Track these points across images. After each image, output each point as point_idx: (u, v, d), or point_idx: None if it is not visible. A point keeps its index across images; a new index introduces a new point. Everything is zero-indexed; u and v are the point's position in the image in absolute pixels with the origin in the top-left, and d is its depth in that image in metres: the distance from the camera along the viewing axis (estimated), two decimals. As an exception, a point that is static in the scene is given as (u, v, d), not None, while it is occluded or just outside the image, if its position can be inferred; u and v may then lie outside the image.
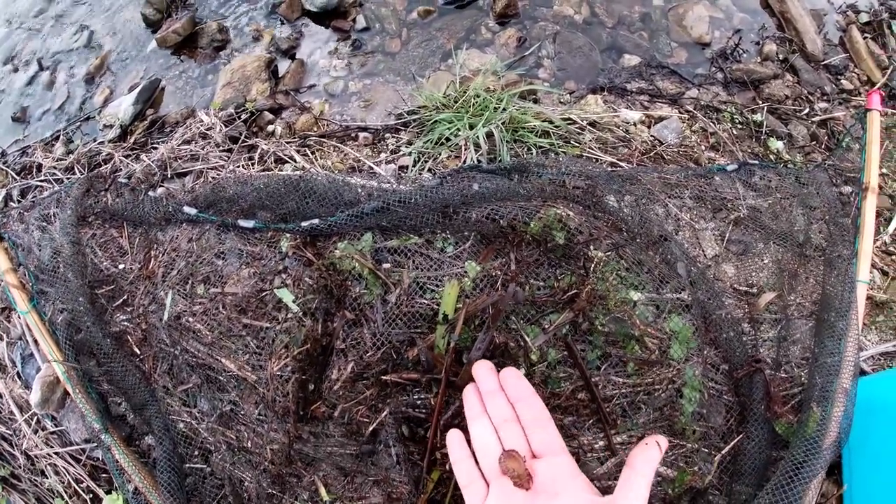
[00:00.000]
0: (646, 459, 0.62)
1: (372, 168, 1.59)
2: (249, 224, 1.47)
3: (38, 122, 2.23)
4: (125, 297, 1.57)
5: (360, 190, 1.47)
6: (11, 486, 1.82)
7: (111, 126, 2.01)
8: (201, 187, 1.58)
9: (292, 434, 1.28)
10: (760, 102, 2.15)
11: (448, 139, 1.64)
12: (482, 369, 0.84)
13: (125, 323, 1.57)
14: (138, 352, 1.53)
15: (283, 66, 1.97)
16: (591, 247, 1.46)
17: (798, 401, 1.45)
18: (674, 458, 1.34)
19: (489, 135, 1.65)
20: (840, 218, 1.80)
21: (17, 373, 1.82)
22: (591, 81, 2.02)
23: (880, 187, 2.00)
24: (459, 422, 1.26)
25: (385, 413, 1.29)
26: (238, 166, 1.66)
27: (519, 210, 1.45)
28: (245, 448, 1.37)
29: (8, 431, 1.83)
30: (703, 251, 1.74)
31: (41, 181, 2.00)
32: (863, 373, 1.58)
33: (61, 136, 2.12)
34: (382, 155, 1.65)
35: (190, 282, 1.44)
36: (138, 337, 1.54)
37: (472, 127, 1.65)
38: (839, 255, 1.69)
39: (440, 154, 1.59)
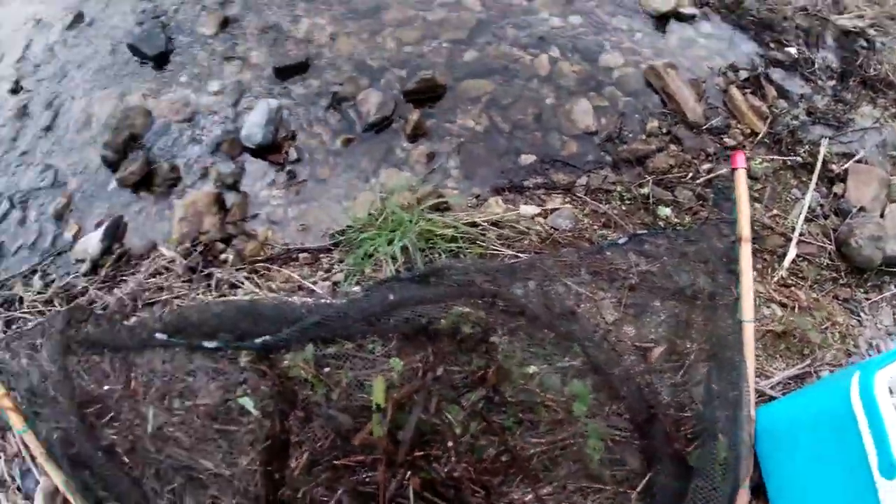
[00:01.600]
0: None
1: (310, 287, 2.14)
2: (212, 345, 2.00)
3: (14, 257, 2.73)
4: (112, 413, 2.06)
5: (301, 308, 2.01)
6: None
7: (83, 261, 2.52)
8: (169, 315, 2.10)
9: (264, 518, 1.78)
10: (647, 176, 2.74)
11: (371, 255, 2.21)
12: None
13: (113, 436, 2.05)
14: (127, 460, 2.01)
15: (230, 198, 2.52)
16: (490, 335, 2.03)
17: (702, 433, 1.96)
18: (599, 500, 1.83)
19: (405, 247, 2.22)
20: (731, 266, 2.26)
21: (17, 487, 2.26)
22: (492, 184, 2.62)
23: (772, 228, 2.60)
24: (404, 492, 1.73)
25: (340, 492, 1.80)
26: (198, 294, 2.19)
27: (430, 310, 2.01)
28: (227, 534, 1.85)
29: (13, 543, 2.26)
30: (603, 318, 2.29)
31: (24, 313, 2.49)
32: (771, 398, 2.07)
33: (38, 271, 2.62)
34: (319, 273, 2.22)
35: (167, 397, 1.95)
36: (126, 447, 2.02)
37: (390, 242, 2.22)
38: (725, 302, 2.23)
39: (365, 269, 2.16)
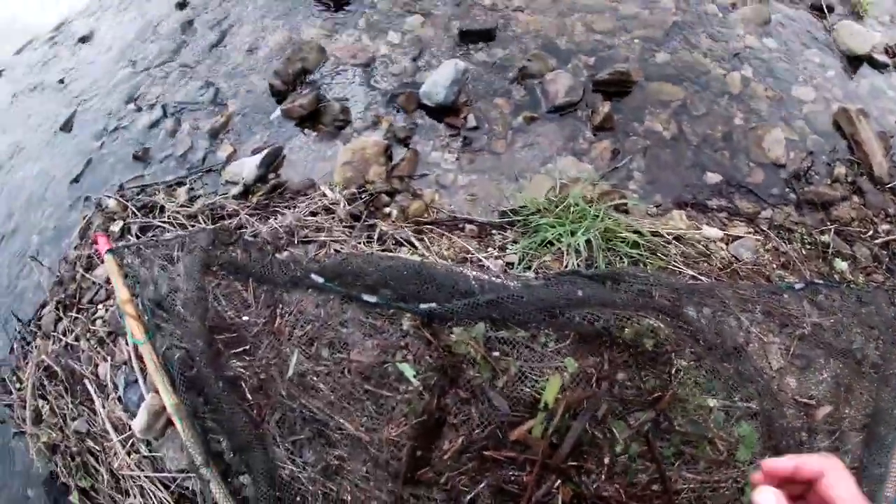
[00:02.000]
0: (821, 467, 0.67)
1: (482, 261, 1.94)
2: (373, 299, 1.82)
3: (159, 165, 2.65)
4: (247, 346, 1.90)
5: (473, 282, 1.81)
6: (89, 499, 2.12)
7: (235, 183, 2.40)
8: (328, 259, 1.94)
9: (398, 494, 1.58)
10: (829, 224, 2.48)
11: (551, 243, 2.00)
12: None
13: (241, 370, 1.90)
14: (250, 398, 1.86)
15: (398, 153, 2.37)
16: (675, 356, 1.79)
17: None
18: None
19: (587, 242, 2.00)
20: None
21: (119, 397, 2.14)
22: (675, 196, 2.37)
23: None
24: (550, 500, 1.55)
25: (482, 484, 1.59)
26: (359, 243, 2.03)
27: (612, 316, 1.78)
28: (343, 500, 1.66)
29: (97, 448, 2.14)
30: (769, 363, 2.04)
31: (163, 222, 2.38)
32: None
33: (184, 184, 2.52)
34: (490, 249, 2.01)
35: (315, 344, 1.78)
36: (253, 384, 1.87)
37: (573, 234, 2.00)
38: (892, 373, 1.97)
39: (544, 256, 1.94)
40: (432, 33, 2.75)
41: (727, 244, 2.30)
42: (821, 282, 2.24)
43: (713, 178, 2.47)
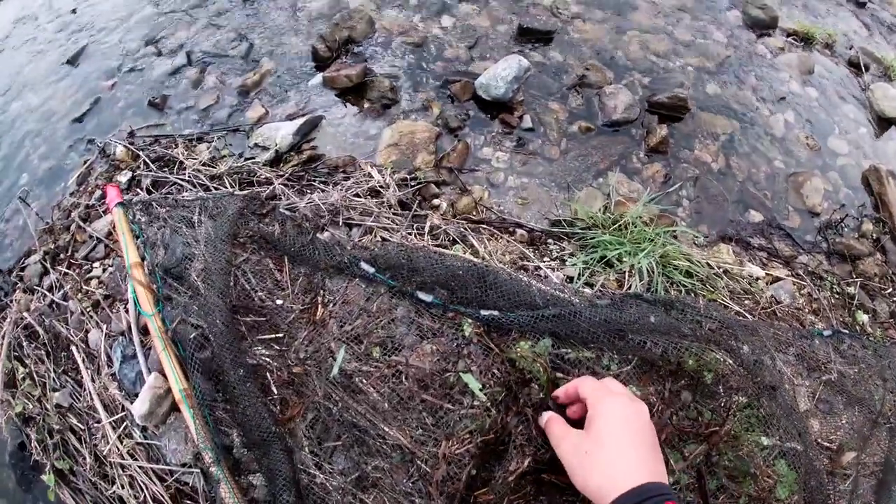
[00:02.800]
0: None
1: (540, 269, 1.81)
2: (428, 298, 1.65)
3: (178, 116, 2.38)
4: (280, 335, 1.70)
5: (536, 293, 1.67)
6: (65, 482, 1.85)
7: (266, 148, 2.18)
8: (379, 247, 1.75)
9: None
10: (855, 276, 2.50)
11: (609, 262, 1.88)
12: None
13: (266, 359, 1.69)
14: (275, 391, 1.65)
15: (447, 142, 2.20)
16: (735, 391, 1.72)
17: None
18: None
19: (651, 266, 1.90)
20: None
21: (113, 373, 1.89)
22: (720, 229, 2.31)
23: None
24: None
25: (540, 509, 1.46)
26: (409, 233, 1.85)
27: (671, 345, 1.68)
28: (375, 516, 1.49)
29: (80, 426, 1.88)
30: (797, 405, 2.02)
31: (181, 179, 2.13)
32: None
33: (209, 142, 2.27)
34: (546, 259, 1.88)
35: (365, 342, 1.59)
36: (282, 377, 1.66)
37: (634, 255, 1.90)
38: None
39: (608, 274, 1.83)
40: (488, 24, 2.60)
41: (768, 284, 2.26)
42: (846, 332, 2.24)
43: (756, 216, 2.43)
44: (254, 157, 2.16)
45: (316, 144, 2.20)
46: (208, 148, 2.25)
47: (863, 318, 2.39)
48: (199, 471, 1.61)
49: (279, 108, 2.31)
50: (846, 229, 2.67)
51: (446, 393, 1.49)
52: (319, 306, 1.70)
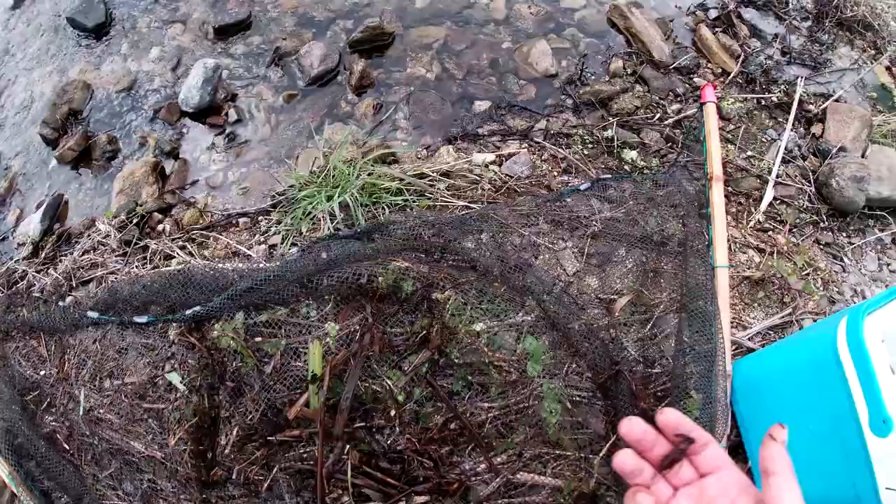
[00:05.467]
0: (773, 456, 0.63)
1: (245, 252, 1.94)
2: (143, 319, 1.82)
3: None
4: (49, 399, 1.89)
5: (232, 273, 1.81)
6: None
7: (24, 244, 2.34)
8: (101, 292, 1.92)
9: (198, 499, 1.61)
10: (610, 119, 2.51)
11: (309, 214, 2.00)
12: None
13: (53, 423, 1.89)
14: (67, 447, 1.85)
15: (169, 165, 2.33)
16: (432, 291, 1.81)
17: (672, 391, 1.75)
18: (560, 468, 1.65)
19: (346, 203, 2.00)
20: (703, 209, 2.12)
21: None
22: (444, 133, 2.39)
23: (746, 170, 2.37)
24: (342, 468, 1.58)
25: (275, 469, 1.62)
26: (133, 268, 2.00)
27: (366, 269, 1.79)
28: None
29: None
30: (564, 269, 2.08)
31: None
32: (750, 350, 1.88)
33: (-20, 258, 2.45)
34: (256, 237, 2.01)
35: (98, 378, 1.78)
36: (65, 434, 1.86)
37: (329, 199, 2.00)
38: (697, 248, 2.02)
39: (301, 228, 1.95)
40: (189, 38, 2.68)
41: (500, 165, 2.31)
42: (607, 177, 2.26)
43: (482, 105, 2.49)
44: (19, 256, 2.32)
45: (66, 221, 2.34)
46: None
47: (630, 154, 2.41)
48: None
49: (31, 202, 2.46)
50: (592, 77, 2.68)
51: (160, 396, 1.66)
52: (66, 363, 1.88)
